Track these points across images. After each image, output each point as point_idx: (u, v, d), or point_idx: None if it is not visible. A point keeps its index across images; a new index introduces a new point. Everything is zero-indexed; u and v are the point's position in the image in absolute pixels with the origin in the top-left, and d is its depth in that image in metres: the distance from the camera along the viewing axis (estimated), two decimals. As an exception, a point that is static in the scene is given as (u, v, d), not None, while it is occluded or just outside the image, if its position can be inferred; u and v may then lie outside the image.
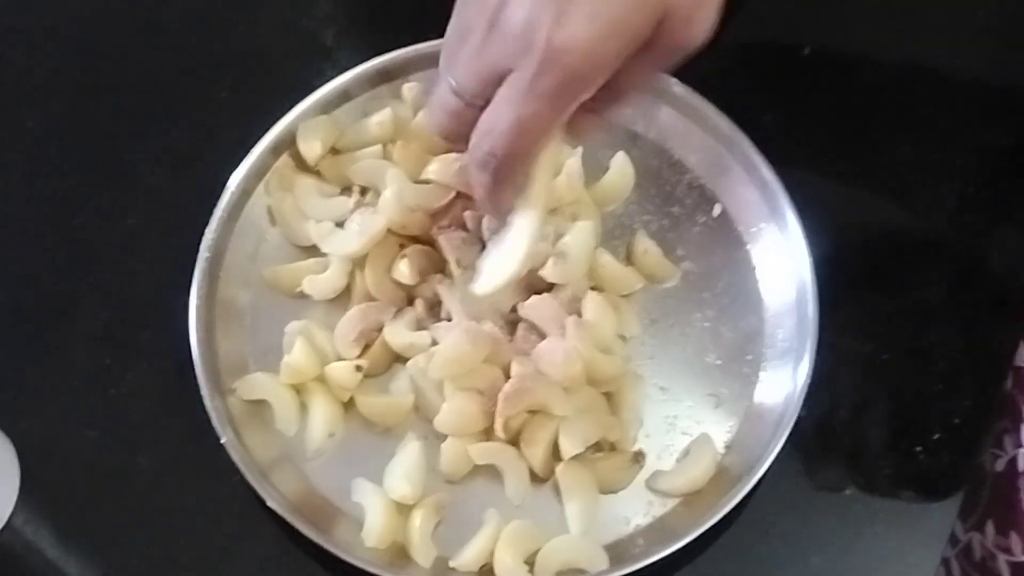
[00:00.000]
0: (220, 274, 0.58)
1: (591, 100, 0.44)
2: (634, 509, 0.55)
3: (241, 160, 0.59)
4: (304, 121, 0.60)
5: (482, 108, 0.45)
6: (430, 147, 0.59)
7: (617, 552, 0.53)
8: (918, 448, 0.56)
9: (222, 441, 0.53)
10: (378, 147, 0.61)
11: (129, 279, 0.61)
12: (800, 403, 0.54)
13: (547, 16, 0.40)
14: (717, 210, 0.61)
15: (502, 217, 0.50)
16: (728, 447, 0.56)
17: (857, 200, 0.62)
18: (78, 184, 0.63)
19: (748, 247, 0.60)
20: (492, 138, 0.44)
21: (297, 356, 0.56)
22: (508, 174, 0.46)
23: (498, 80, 0.43)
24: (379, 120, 0.61)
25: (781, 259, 0.58)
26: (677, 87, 0.60)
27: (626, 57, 0.42)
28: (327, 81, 0.61)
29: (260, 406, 0.56)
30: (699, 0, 0.43)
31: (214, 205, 0.58)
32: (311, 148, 0.60)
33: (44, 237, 0.62)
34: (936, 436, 0.56)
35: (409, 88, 0.62)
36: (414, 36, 0.61)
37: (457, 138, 0.48)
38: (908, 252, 0.60)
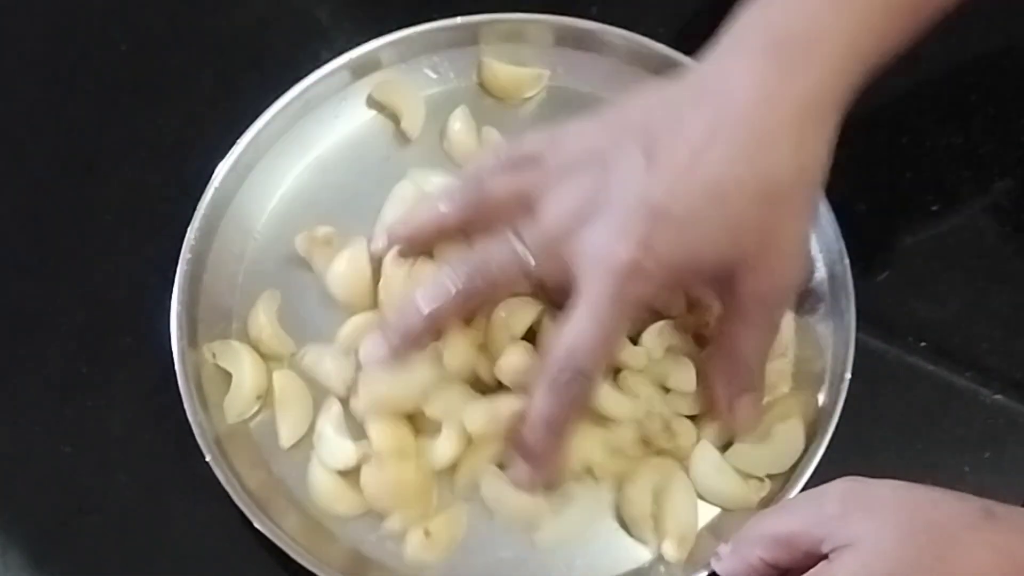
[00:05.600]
0: (204, 276, 0.55)
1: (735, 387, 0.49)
2: (657, 531, 0.52)
3: (227, 152, 0.57)
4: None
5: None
6: None
7: (639, 581, 0.51)
8: (966, 468, 0.53)
9: (207, 458, 0.50)
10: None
11: (106, 281, 0.58)
12: (836, 419, 0.51)
13: (634, 236, 0.44)
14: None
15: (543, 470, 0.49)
16: (760, 465, 0.53)
17: (899, 196, 0.59)
18: (49, 178, 0.61)
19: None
20: (577, 354, 0.45)
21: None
22: (577, 398, 0.47)
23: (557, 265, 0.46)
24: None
25: (814, 260, 0.56)
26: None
27: (699, 283, 0.47)
28: (322, 64, 0.59)
29: (246, 421, 0.54)
30: (769, 247, 0.45)
31: (197, 201, 0.56)
32: None
33: (12, 236, 0.60)
34: (987, 455, 0.53)
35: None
36: (419, 14, 0.59)
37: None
38: (956, 252, 0.58)
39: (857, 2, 0.44)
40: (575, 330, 0.45)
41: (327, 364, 0.53)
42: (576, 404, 0.47)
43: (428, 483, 0.51)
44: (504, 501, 0.51)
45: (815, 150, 0.45)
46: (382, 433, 0.51)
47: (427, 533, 0.50)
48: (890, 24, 0.45)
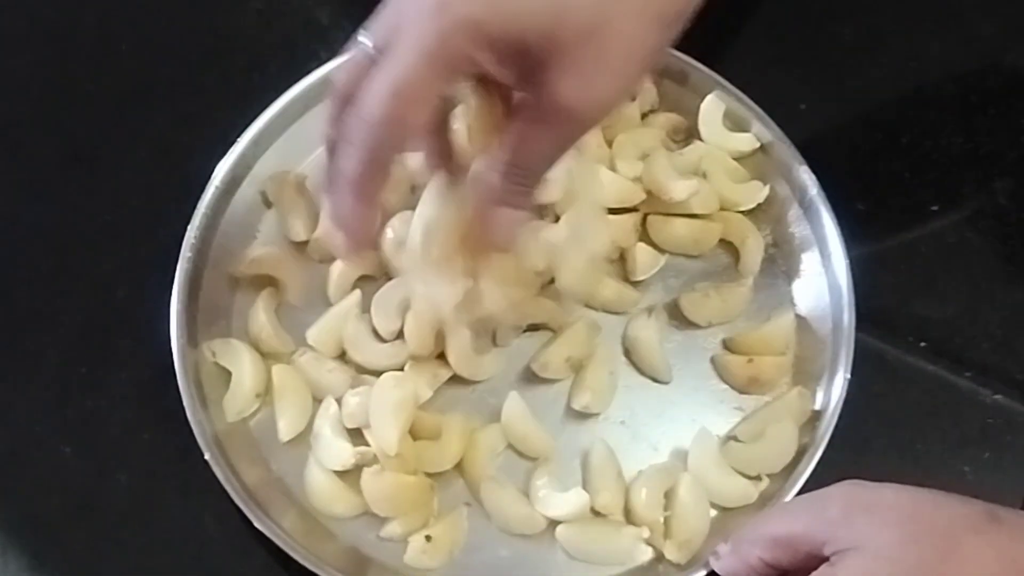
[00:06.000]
0: (204, 275, 0.55)
1: (507, 193, 0.44)
2: (657, 531, 0.52)
3: (227, 151, 0.56)
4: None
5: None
6: None
7: (639, 580, 0.51)
8: (966, 468, 0.53)
9: (206, 457, 0.50)
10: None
11: (106, 281, 0.58)
12: (835, 419, 0.51)
13: None
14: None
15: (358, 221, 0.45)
16: (759, 465, 0.53)
17: (900, 195, 0.59)
18: (50, 178, 0.61)
19: (776, 246, 0.57)
20: (366, 102, 0.41)
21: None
22: (378, 151, 0.42)
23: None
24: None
25: (813, 260, 0.56)
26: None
27: (505, 53, 0.41)
28: (322, 64, 0.58)
29: (246, 420, 0.54)
30: (591, 46, 0.40)
31: (197, 200, 0.55)
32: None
33: (12, 235, 0.59)
34: (987, 455, 0.53)
35: None
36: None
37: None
38: (956, 252, 0.58)
39: None
40: (371, 78, 0.42)
41: (326, 364, 0.53)
42: (368, 157, 0.42)
43: (429, 490, 0.51)
44: (503, 509, 0.51)
45: None
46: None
47: (428, 539, 0.50)
48: None
